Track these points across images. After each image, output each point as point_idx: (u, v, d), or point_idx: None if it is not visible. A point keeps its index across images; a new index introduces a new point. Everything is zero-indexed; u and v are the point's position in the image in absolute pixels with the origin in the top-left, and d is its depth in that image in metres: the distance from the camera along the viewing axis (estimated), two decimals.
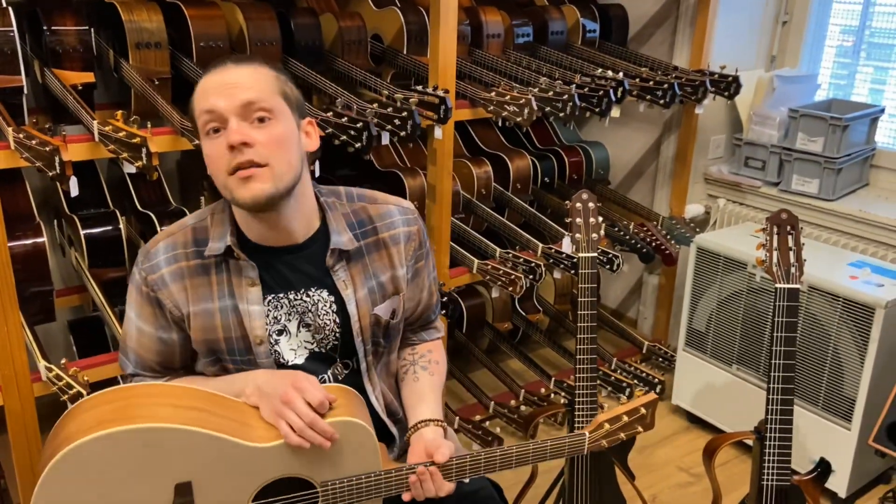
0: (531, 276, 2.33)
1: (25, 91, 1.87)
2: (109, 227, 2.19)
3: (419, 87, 2.12)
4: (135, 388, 1.20)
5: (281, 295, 1.28)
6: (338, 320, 1.31)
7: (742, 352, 2.50)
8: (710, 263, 2.53)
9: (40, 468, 1.10)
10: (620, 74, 2.42)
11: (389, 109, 1.96)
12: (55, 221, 2.47)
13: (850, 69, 2.92)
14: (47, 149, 1.53)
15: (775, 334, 1.70)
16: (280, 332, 1.29)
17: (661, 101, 2.48)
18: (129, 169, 1.66)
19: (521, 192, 2.81)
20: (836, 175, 2.60)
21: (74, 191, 1.58)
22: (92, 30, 2.02)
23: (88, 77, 1.96)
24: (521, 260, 2.35)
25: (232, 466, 1.14)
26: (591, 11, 2.95)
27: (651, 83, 2.48)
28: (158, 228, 2.23)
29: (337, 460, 1.19)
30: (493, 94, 2.23)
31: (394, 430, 1.41)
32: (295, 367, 1.30)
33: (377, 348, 1.36)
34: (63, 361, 1.80)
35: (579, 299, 1.78)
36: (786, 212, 1.74)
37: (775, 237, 1.74)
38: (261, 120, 1.17)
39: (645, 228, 2.76)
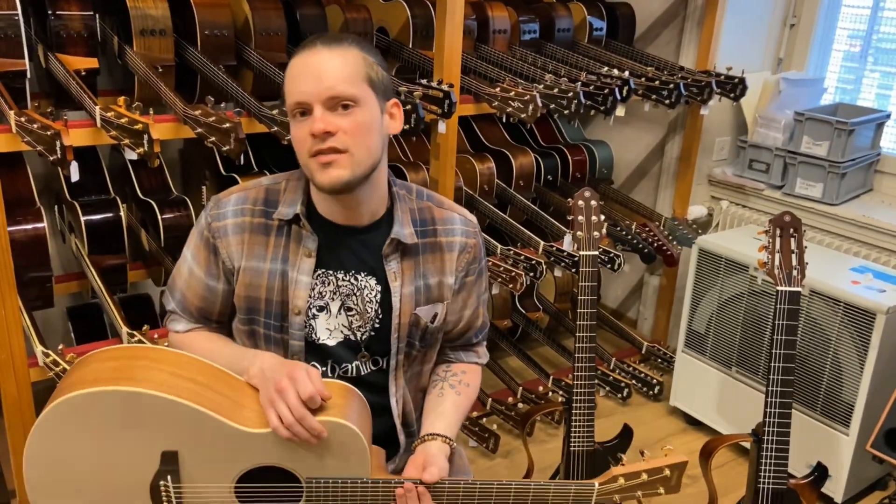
0: (532, 274, 2.32)
1: (29, 75, 1.86)
2: (110, 214, 2.18)
3: (424, 81, 2.11)
4: (143, 350, 1.24)
5: (331, 272, 1.29)
6: (379, 311, 1.31)
7: (742, 354, 2.49)
8: (712, 265, 2.52)
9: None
10: (626, 73, 2.40)
11: None
12: (56, 207, 2.46)
13: (857, 74, 2.91)
14: (48, 133, 1.53)
15: (775, 337, 1.69)
16: (321, 309, 1.30)
17: (667, 101, 2.47)
18: (131, 155, 1.65)
19: (523, 190, 2.80)
20: (841, 179, 2.59)
21: (75, 176, 1.57)
22: (97, 15, 2.01)
23: (92, 63, 1.95)
24: (522, 257, 2.34)
25: (216, 445, 1.15)
26: (599, 9, 2.94)
27: (657, 83, 2.47)
28: (159, 216, 2.22)
29: (324, 459, 1.18)
30: (497, 89, 2.22)
31: (402, 438, 1.40)
32: (325, 347, 1.31)
33: (411, 350, 1.35)
34: (60, 347, 1.80)
35: (579, 297, 1.78)
36: (789, 214, 1.73)
37: (778, 239, 1.73)
38: (345, 107, 1.19)
39: (647, 228, 2.75)
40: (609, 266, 2.45)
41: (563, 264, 2.40)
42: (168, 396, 1.13)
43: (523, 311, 2.99)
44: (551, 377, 2.75)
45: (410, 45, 2.45)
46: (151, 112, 1.64)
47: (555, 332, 3.13)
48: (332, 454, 1.18)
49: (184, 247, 1.36)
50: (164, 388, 1.13)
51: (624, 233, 2.69)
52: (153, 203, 2.23)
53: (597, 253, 1.78)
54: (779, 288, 1.70)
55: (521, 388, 2.71)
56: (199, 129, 1.72)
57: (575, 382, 1.77)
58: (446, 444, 1.30)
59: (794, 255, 1.72)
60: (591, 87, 2.31)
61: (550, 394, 2.75)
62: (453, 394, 1.40)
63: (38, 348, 1.80)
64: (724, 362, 2.55)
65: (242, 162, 2.07)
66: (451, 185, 2.28)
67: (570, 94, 2.22)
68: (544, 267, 2.34)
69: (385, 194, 1.32)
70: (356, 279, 1.30)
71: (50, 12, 1.93)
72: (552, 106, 2.24)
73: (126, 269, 2.25)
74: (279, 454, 1.17)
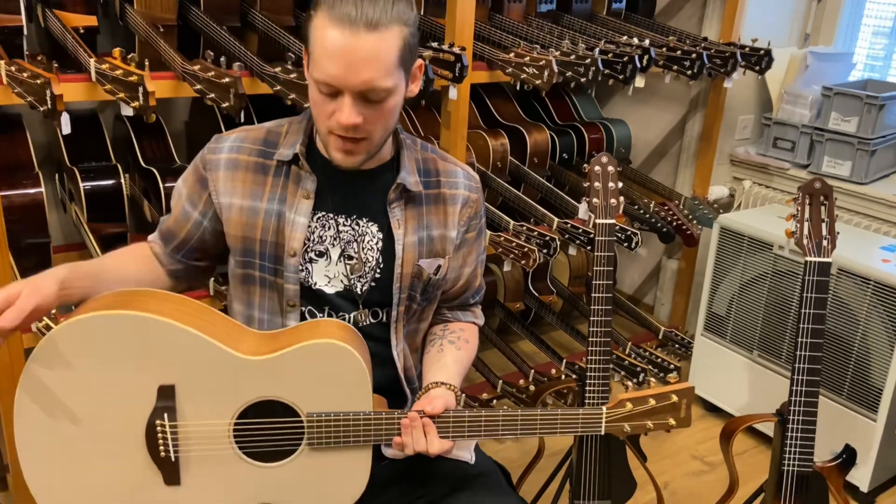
0: (545, 251, 2.23)
1: (25, 32, 1.81)
2: (111, 182, 2.12)
3: (434, 44, 2.02)
4: (150, 290, 1.21)
5: (332, 215, 1.26)
6: (381, 260, 1.27)
7: (764, 337, 2.39)
8: (734, 244, 2.42)
9: None
10: (647, 42, 2.31)
11: None
12: (57, 176, 2.41)
13: (887, 49, 2.79)
14: (38, 81, 1.46)
15: (803, 311, 1.59)
16: (320, 255, 1.27)
17: (689, 72, 2.37)
18: (126, 111, 1.58)
19: (538, 167, 2.71)
20: (870, 157, 2.48)
21: (66, 128, 1.51)
22: None
23: (91, 20, 1.89)
24: (535, 233, 2.25)
25: (218, 375, 1.13)
26: None
27: (678, 53, 2.37)
28: (161, 184, 2.16)
29: (324, 388, 1.14)
30: (511, 55, 2.13)
31: (407, 391, 1.36)
32: (323, 293, 1.27)
33: (411, 303, 1.31)
34: (53, 312, 1.73)
35: (594, 268, 1.68)
36: (819, 181, 1.63)
37: (807, 207, 1.63)
38: (376, 98, 1.14)
39: (666, 207, 2.66)
40: (626, 245, 2.36)
41: (577, 242, 2.31)
42: (177, 324, 1.10)
43: (536, 294, 2.91)
44: (564, 360, 2.67)
45: (423, 13, 2.37)
46: (147, 63, 1.57)
47: (569, 316, 3.05)
48: (332, 383, 1.15)
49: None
50: (173, 317, 1.11)
51: (642, 211, 2.60)
52: (155, 171, 2.17)
53: (614, 221, 1.69)
54: (807, 258, 1.60)
55: (532, 371, 2.63)
56: (198, 86, 1.66)
57: (589, 359, 1.68)
58: (451, 390, 1.25)
59: (824, 225, 1.62)
60: (610, 55, 2.22)
61: (563, 377, 2.66)
62: (453, 349, 1.35)
63: None
64: (746, 346, 2.45)
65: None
66: (462, 158, 2.19)
67: (588, 61, 2.13)
68: (558, 243, 2.25)
69: (391, 140, 1.28)
70: (358, 224, 1.27)
71: None
72: (569, 73, 2.15)
73: (127, 238, 2.19)
74: (278, 386, 1.14)
